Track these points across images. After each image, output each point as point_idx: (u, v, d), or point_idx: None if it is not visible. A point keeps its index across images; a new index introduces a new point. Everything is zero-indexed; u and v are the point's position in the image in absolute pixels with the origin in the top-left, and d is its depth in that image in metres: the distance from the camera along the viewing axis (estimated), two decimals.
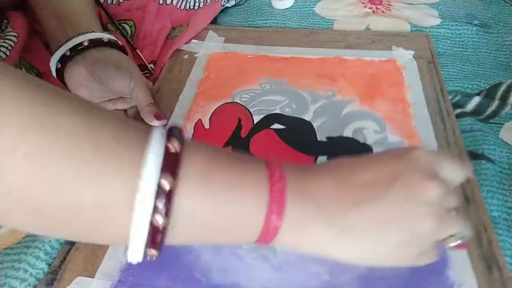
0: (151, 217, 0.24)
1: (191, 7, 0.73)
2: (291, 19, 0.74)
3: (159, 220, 0.24)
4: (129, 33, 0.66)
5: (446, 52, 0.67)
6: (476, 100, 0.57)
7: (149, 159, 0.25)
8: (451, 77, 0.61)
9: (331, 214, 0.29)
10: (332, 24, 0.73)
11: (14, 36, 0.55)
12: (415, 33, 0.69)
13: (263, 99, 0.58)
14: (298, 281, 0.39)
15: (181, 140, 0.27)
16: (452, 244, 0.30)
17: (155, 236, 0.25)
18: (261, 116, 0.55)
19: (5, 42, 0.53)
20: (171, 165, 0.25)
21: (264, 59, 0.64)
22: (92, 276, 0.40)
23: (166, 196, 0.24)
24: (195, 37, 0.69)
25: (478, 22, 0.71)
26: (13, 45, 0.54)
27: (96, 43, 0.52)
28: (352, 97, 0.57)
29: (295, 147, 0.51)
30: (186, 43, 0.68)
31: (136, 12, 0.68)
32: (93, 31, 0.53)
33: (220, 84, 0.60)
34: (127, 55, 0.56)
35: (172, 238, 0.26)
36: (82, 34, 0.52)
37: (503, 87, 0.58)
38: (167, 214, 0.25)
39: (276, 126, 0.54)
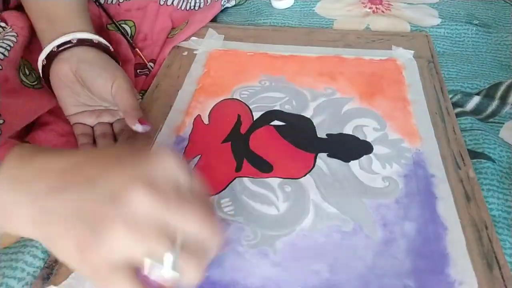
0: None
1: (192, 8, 0.73)
2: (291, 19, 0.74)
3: None
4: (129, 33, 0.66)
5: (446, 52, 0.67)
6: (476, 99, 0.57)
7: None
8: (450, 76, 0.61)
9: (36, 198, 0.28)
10: (332, 24, 0.72)
11: (14, 35, 0.53)
12: (415, 33, 0.69)
13: (263, 95, 0.57)
14: (297, 278, 0.39)
15: None
16: (153, 272, 0.28)
17: None
18: (261, 113, 0.55)
19: (3, 42, 0.51)
20: None
21: (264, 56, 0.64)
22: None
23: None
24: (194, 35, 0.69)
25: (478, 22, 0.71)
26: (12, 45, 0.52)
27: (84, 43, 0.51)
28: (352, 95, 0.57)
29: (295, 144, 0.51)
30: (185, 40, 0.68)
31: (136, 12, 0.67)
32: (83, 31, 0.52)
33: (220, 81, 0.60)
34: (117, 61, 0.55)
35: None
36: (72, 33, 0.51)
37: (503, 87, 0.58)
38: None
39: (276, 122, 0.53)
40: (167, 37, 0.68)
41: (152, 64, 0.64)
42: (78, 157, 0.30)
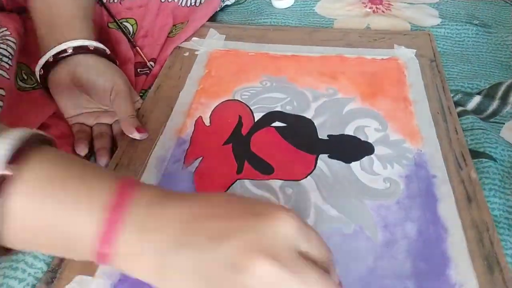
0: None
1: (193, 4, 0.73)
2: (291, 19, 0.74)
3: None
4: (131, 31, 0.66)
5: (446, 51, 0.67)
6: (476, 99, 0.56)
7: None
8: (451, 76, 0.61)
9: (161, 250, 0.28)
10: (332, 24, 0.73)
11: (14, 42, 0.53)
12: (417, 32, 0.69)
13: (264, 96, 0.57)
14: None
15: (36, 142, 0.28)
16: None
17: None
18: (262, 114, 0.55)
19: (6, 50, 0.51)
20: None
21: (265, 56, 0.64)
22: (92, 274, 0.39)
23: None
24: (195, 35, 0.69)
25: (478, 22, 0.71)
26: (13, 53, 0.52)
27: (80, 50, 0.51)
28: (353, 96, 0.57)
29: (296, 145, 0.51)
30: (186, 40, 0.68)
31: (137, 10, 0.67)
32: (80, 39, 0.51)
33: (221, 82, 0.60)
34: (116, 64, 0.55)
35: (6, 237, 0.28)
36: (68, 41, 0.50)
37: (503, 87, 0.58)
38: None
39: (277, 123, 0.53)
40: (167, 36, 0.68)
41: (152, 63, 0.64)
42: (197, 208, 0.30)
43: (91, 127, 0.54)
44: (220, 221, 0.28)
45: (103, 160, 0.51)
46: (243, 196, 0.33)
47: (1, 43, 0.51)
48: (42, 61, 0.51)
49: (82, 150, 0.51)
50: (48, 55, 0.50)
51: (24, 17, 0.59)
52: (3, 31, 0.53)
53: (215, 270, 0.27)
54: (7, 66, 0.50)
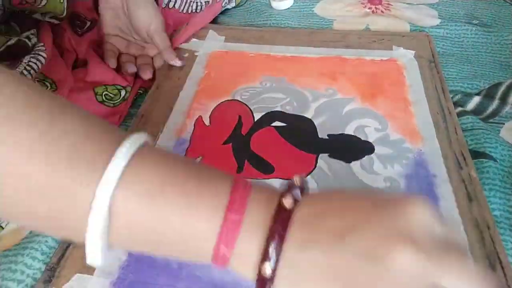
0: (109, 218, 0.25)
1: (194, 10, 0.73)
2: (290, 20, 0.74)
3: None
4: None
5: (446, 52, 0.67)
6: (476, 99, 0.56)
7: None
8: (450, 77, 0.61)
9: (286, 250, 0.25)
10: (332, 24, 0.73)
11: (43, 57, 0.51)
12: (416, 33, 0.69)
13: (264, 97, 0.57)
14: None
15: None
16: None
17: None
18: (262, 114, 0.55)
19: (35, 63, 0.50)
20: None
21: (265, 57, 0.64)
22: (91, 273, 0.39)
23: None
24: (195, 36, 0.69)
25: (477, 22, 0.71)
26: (40, 66, 0.50)
27: None
28: (353, 96, 0.57)
29: (296, 145, 0.51)
30: (186, 41, 0.68)
31: None
32: None
33: (221, 82, 0.60)
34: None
35: (117, 237, 0.27)
36: None
37: (503, 87, 0.58)
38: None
39: (277, 123, 0.53)
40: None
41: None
42: (318, 205, 0.27)
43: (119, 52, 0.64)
44: (344, 217, 0.26)
45: (147, 73, 0.61)
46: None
47: (33, 57, 0.51)
48: None
49: (113, 63, 0.61)
50: None
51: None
52: (39, 46, 0.53)
53: (349, 268, 0.24)
54: (29, 76, 0.50)
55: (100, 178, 0.25)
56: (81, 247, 0.41)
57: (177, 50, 0.66)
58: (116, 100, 0.58)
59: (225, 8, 0.78)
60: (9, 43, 0.50)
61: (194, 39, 0.68)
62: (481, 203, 0.43)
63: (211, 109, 0.56)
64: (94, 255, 0.27)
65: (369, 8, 0.75)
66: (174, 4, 0.70)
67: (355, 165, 0.48)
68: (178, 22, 0.71)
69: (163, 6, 0.69)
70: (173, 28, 0.70)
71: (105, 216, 0.25)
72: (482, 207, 0.43)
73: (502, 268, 0.38)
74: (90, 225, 0.25)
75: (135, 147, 0.26)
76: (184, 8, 0.72)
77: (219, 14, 0.77)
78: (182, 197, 0.26)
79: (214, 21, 0.76)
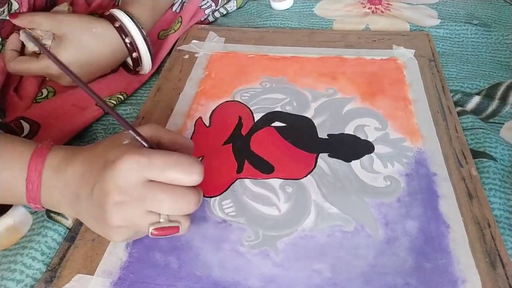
0: None
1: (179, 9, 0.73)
2: (290, 20, 0.74)
3: None
4: None
5: (446, 52, 0.67)
6: (476, 99, 0.56)
7: None
8: (450, 77, 0.61)
9: (72, 194, 0.38)
10: (332, 24, 0.73)
11: None
12: (416, 32, 0.69)
13: (264, 97, 0.57)
14: (299, 278, 0.39)
15: None
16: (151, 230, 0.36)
17: None
18: (262, 114, 0.55)
19: None
20: None
21: (265, 58, 0.64)
22: (92, 273, 0.39)
23: None
24: (195, 38, 0.69)
25: (477, 22, 0.71)
26: None
27: None
28: (353, 95, 0.57)
29: (296, 145, 0.51)
30: (185, 41, 0.68)
31: None
32: None
33: (221, 83, 0.60)
34: None
35: None
36: None
37: (502, 87, 0.58)
38: None
39: (277, 123, 0.53)
40: (158, 38, 0.69)
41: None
42: (79, 166, 0.38)
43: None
44: (83, 176, 0.37)
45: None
46: (109, 144, 0.39)
47: None
48: None
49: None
50: None
51: None
52: None
53: (90, 205, 0.37)
54: None
55: None
56: (82, 247, 0.42)
57: (177, 52, 0.67)
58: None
59: (228, 12, 0.78)
60: None
61: (194, 41, 0.69)
62: (481, 201, 0.43)
63: (211, 110, 0.56)
64: None
65: (369, 8, 0.75)
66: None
67: (355, 164, 0.48)
68: (168, 21, 0.71)
69: None
70: (162, 28, 0.70)
71: None
72: (483, 205, 0.43)
73: (503, 265, 0.38)
74: None
75: None
76: (177, 8, 0.72)
77: (219, 16, 0.77)
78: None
79: (215, 22, 0.76)
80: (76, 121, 0.54)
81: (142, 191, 0.35)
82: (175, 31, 0.69)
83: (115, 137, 0.39)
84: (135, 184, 0.35)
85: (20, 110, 0.55)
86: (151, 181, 0.35)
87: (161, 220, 0.36)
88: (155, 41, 0.68)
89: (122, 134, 0.39)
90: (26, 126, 0.52)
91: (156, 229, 0.36)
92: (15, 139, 0.41)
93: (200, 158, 0.50)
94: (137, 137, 0.37)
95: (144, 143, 0.37)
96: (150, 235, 0.36)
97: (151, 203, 0.35)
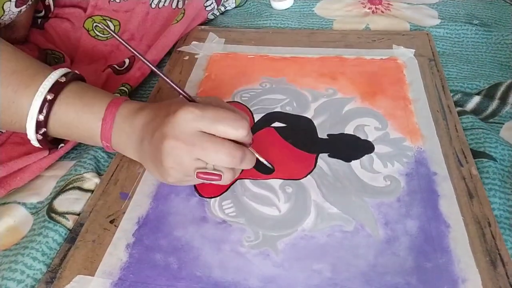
0: (38, 113, 0.43)
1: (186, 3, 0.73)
2: (290, 20, 0.74)
3: (40, 117, 0.43)
4: (112, 30, 0.66)
5: (446, 52, 0.67)
6: (476, 99, 0.56)
7: (45, 82, 0.43)
8: (450, 77, 0.61)
9: (138, 138, 0.44)
10: (332, 24, 0.73)
11: None
12: (416, 32, 0.69)
13: (264, 98, 0.57)
14: (299, 278, 0.39)
15: (71, 78, 0.45)
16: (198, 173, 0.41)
17: (39, 123, 0.43)
18: (262, 115, 0.55)
19: None
20: (55, 88, 0.43)
21: (265, 59, 0.64)
22: (92, 274, 0.39)
23: (49, 102, 0.43)
24: (195, 39, 0.69)
25: (477, 22, 0.71)
26: None
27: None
28: (353, 95, 0.57)
29: (296, 145, 0.51)
30: (185, 42, 0.68)
31: (123, 14, 0.68)
32: None
33: (221, 84, 0.60)
34: None
35: (53, 129, 0.45)
36: None
37: (502, 87, 0.58)
38: (47, 109, 0.43)
39: (277, 124, 0.53)
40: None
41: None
42: (145, 118, 0.44)
43: None
44: (149, 124, 0.43)
45: None
46: (174, 100, 0.45)
47: None
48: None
49: None
50: None
51: None
52: None
53: (150, 148, 0.42)
54: None
55: (36, 90, 0.43)
56: (83, 248, 0.42)
57: (177, 53, 0.67)
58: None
59: (226, 9, 0.78)
60: None
61: (194, 42, 0.69)
62: (481, 200, 0.43)
63: None
64: (31, 133, 0.44)
65: (369, 8, 0.75)
66: (164, 3, 0.71)
67: (355, 164, 0.48)
68: (172, 18, 0.71)
69: (153, 6, 0.69)
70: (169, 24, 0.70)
71: (35, 116, 0.43)
72: (483, 204, 0.43)
73: (503, 264, 0.38)
74: (28, 121, 0.43)
75: (60, 74, 0.44)
76: (173, 3, 0.72)
77: (219, 14, 0.78)
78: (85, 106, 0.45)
79: (214, 22, 0.76)
80: None
81: (193, 139, 0.39)
82: (178, 21, 0.68)
83: (179, 98, 0.45)
84: (189, 132, 0.40)
85: None
86: (203, 132, 0.40)
87: (207, 167, 0.41)
88: (157, 36, 0.68)
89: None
90: None
91: (200, 172, 0.41)
92: (98, 90, 0.47)
93: None
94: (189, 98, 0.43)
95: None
96: (195, 177, 0.41)
97: (199, 151, 0.40)
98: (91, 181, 0.48)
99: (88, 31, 0.67)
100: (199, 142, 0.39)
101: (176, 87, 0.43)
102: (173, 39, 0.68)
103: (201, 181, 0.42)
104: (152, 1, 0.70)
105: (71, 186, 0.47)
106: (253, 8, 0.79)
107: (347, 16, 0.74)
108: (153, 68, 0.43)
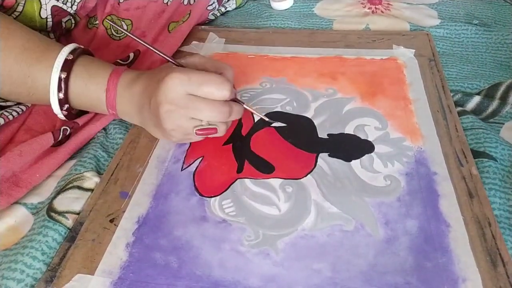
0: (58, 91, 0.48)
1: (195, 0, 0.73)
2: (290, 20, 0.74)
3: (60, 95, 0.48)
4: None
5: (446, 52, 0.67)
6: (476, 99, 0.56)
7: (56, 61, 0.48)
8: (450, 77, 0.61)
9: (137, 105, 0.49)
10: (332, 24, 0.73)
11: None
12: (416, 32, 0.69)
13: (264, 97, 0.58)
14: (299, 277, 0.39)
15: (78, 54, 0.49)
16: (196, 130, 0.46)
17: (61, 100, 0.49)
18: (262, 115, 0.54)
19: None
20: (65, 65, 0.48)
21: (265, 59, 0.64)
22: (92, 273, 0.39)
23: (64, 80, 0.48)
24: (195, 39, 0.69)
25: (477, 22, 0.71)
26: None
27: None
28: (353, 95, 0.57)
29: (296, 144, 0.51)
30: (185, 42, 0.69)
31: (134, 11, 0.68)
32: None
33: None
34: None
35: (73, 103, 0.50)
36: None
37: (503, 87, 0.58)
38: (64, 87, 0.48)
39: (277, 124, 0.53)
40: (168, 31, 0.69)
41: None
42: (141, 87, 0.48)
43: None
44: (145, 91, 0.47)
45: None
46: (163, 67, 0.49)
47: None
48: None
49: None
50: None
51: None
52: None
53: (150, 114, 0.47)
54: None
55: (52, 64, 0.48)
56: (82, 247, 0.41)
57: (177, 53, 0.67)
58: None
59: (226, 10, 0.78)
60: None
61: (194, 42, 0.69)
62: (481, 200, 0.43)
63: None
64: (56, 109, 0.50)
65: (369, 8, 0.75)
66: None
67: (355, 164, 0.48)
68: (180, 13, 0.71)
69: (165, 1, 0.69)
70: (173, 20, 0.70)
71: (56, 86, 0.48)
72: (483, 204, 0.43)
73: (504, 264, 0.38)
74: (51, 96, 0.48)
75: (73, 47, 0.50)
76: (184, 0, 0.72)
77: (219, 15, 0.78)
78: (91, 76, 0.49)
79: (215, 22, 0.76)
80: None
81: (185, 101, 0.44)
82: (184, 22, 0.69)
83: (168, 63, 0.49)
84: (179, 96, 0.44)
85: None
86: (193, 95, 0.44)
87: (203, 124, 0.46)
88: (166, 34, 0.68)
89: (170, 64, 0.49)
90: None
91: (199, 129, 0.46)
92: (100, 61, 0.51)
93: (200, 158, 0.50)
94: (176, 64, 0.48)
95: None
96: (195, 135, 0.46)
97: (193, 111, 0.44)
98: (91, 180, 0.48)
99: (106, 29, 0.67)
100: (191, 103, 0.44)
101: (163, 54, 0.48)
102: (180, 39, 0.68)
103: (201, 137, 0.48)
104: None
105: (71, 185, 0.47)
106: (253, 9, 0.79)
107: (347, 16, 0.74)
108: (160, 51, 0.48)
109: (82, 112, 0.54)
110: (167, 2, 0.70)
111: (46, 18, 0.58)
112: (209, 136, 0.47)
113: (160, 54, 0.48)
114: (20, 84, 0.48)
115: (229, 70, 0.48)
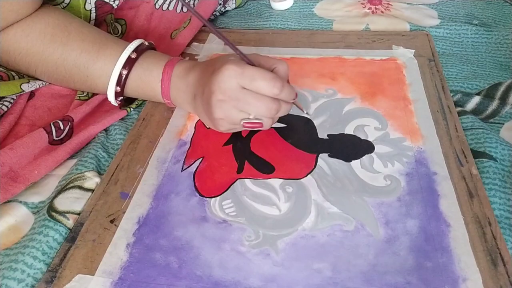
0: (116, 85, 0.53)
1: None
2: (290, 20, 0.74)
3: (118, 88, 0.53)
4: (120, 31, 0.66)
5: (446, 52, 0.67)
6: (476, 99, 0.56)
7: (120, 59, 0.52)
8: (450, 77, 0.61)
9: (191, 94, 0.52)
10: (331, 25, 0.73)
11: None
12: (415, 32, 0.69)
13: None
14: (300, 277, 0.39)
15: (141, 52, 0.53)
16: (244, 122, 0.48)
17: (117, 93, 0.54)
18: None
19: None
20: (128, 63, 0.52)
21: None
22: (92, 273, 0.39)
23: (124, 76, 0.52)
24: (195, 40, 0.70)
25: (477, 22, 0.71)
26: None
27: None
28: (353, 96, 0.57)
29: (296, 145, 0.51)
30: (188, 45, 0.69)
31: (128, 11, 0.68)
32: None
33: None
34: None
35: (127, 93, 0.55)
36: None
37: (502, 87, 0.58)
38: (123, 82, 0.53)
39: (277, 124, 0.53)
40: (170, 38, 0.69)
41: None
42: (195, 77, 0.51)
43: None
44: (200, 80, 0.50)
45: None
46: (219, 58, 0.51)
47: None
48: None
49: None
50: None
51: None
52: None
53: (202, 103, 0.50)
54: None
55: (114, 60, 0.52)
56: (83, 247, 0.42)
57: (178, 54, 0.67)
58: None
59: (226, 10, 0.78)
60: None
61: (194, 43, 0.69)
62: (482, 199, 0.43)
63: None
64: (112, 100, 0.55)
65: (369, 8, 0.75)
66: (168, 7, 0.71)
67: (355, 164, 0.48)
68: (176, 22, 0.71)
69: (157, 7, 0.69)
70: (173, 29, 0.70)
71: (115, 82, 0.52)
72: (483, 204, 0.43)
73: (504, 263, 0.38)
74: (109, 87, 0.53)
75: (137, 44, 0.54)
76: (177, 8, 0.72)
77: (219, 15, 0.78)
78: (147, 71, 0.53)
79: (214, 22, 0.76)
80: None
81: (236, 94, 0.45)
82: (184, 27, 0.69)
83: (225, 55, 0.53)
84: (232, 88, 0.45)
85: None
86: (245, 88, 0.46)
87: (250, 117, 0.47)
88: (168, 41, 0.68)
89: (229, 54, 0.50)
90: None
91: (246, 122, 0.48)
92: (156, 54, 0.55)
93: (200, 159, 0.50)
94: (239, 56, 0.48)
95: (245, 59, 0.48)
96: (242, 127, 0.48)
97: (243, 104, 0.46)
98: (92, 180, 0.48)
99: (107, 25, 0.67)
100: (242, 96, 0.46)
101: (230, 44, 0.48)
102: (183, 45, 0.68)
103: (246, 129, 0.50)
104: (157, 2, 0.70)
105: (71, 185, 0.47)
106: (253, 9, 0.79)
107: (347, 17, 0.74)
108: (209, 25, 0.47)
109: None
110: (159, 8, 0.70)
111: (90, 10, 0.60)
112: (254, 129, 0.50)
113: (221, 37, 0.48)
114: (81, 84, 0.54)
115: (283, 65, 0.49)
